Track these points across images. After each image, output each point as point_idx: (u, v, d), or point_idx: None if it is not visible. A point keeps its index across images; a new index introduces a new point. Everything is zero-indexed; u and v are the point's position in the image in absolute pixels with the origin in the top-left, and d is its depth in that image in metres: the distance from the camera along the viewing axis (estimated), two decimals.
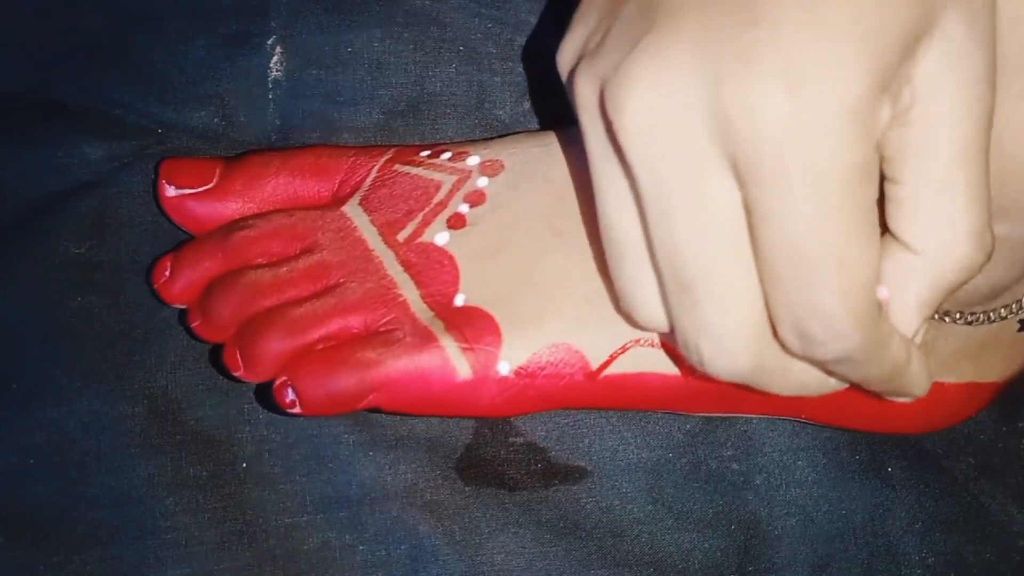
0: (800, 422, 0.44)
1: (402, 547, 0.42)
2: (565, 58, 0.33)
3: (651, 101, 0.30)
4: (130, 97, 0.44)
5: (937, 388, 0.42)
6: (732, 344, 0.32)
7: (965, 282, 0.33)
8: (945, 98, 0.31)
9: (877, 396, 0.35)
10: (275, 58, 0.44)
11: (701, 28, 0.29)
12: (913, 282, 0.33)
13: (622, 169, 0.32)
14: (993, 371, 0.42)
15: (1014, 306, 0.40)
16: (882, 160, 0.31)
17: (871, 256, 0.30)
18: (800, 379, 0.34)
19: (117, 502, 0.41)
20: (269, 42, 0.44)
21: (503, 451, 0.43)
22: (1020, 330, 0.41)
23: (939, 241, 0.32)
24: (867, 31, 0.29)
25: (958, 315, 0.40)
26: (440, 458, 0.43)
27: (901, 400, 0.35)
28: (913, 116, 0.31)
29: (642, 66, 0.30)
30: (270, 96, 0.44)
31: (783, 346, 0.32)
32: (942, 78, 0.30)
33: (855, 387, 0.35)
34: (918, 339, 0.34)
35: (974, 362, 0.42)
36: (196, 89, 0.44)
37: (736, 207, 0.31)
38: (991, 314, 0.40)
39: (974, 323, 0.40)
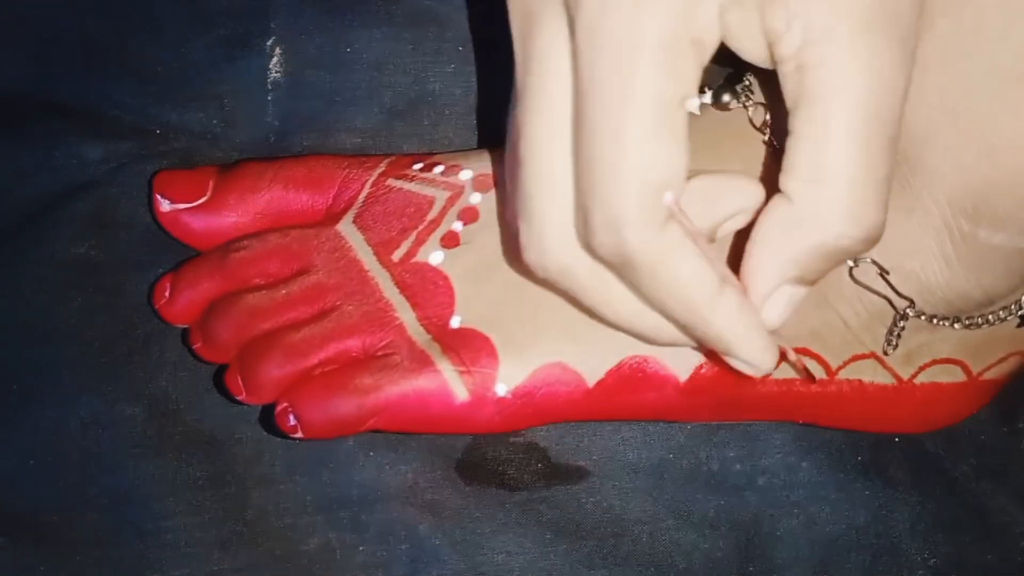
0: (803, 423, 0.44)
1: (402, 547, 0.41)
2: None
3: None
4: (129, 98, 0.44)
5: (934, 388, 0.42)
6: (545, 234, 0.33)
7: (840, 255, 0.32)
8: (838, 41, 0.30)
9: (722, 360, 0.35)
10: (274, 59, 0.44)
11: None
12: (781, 235, 0.32)
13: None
14: (991, 369, 0.42)
15: (1013, 307, 0.40)
16: (788, 114, 0.32)
17: (660, 151, 0.30)
18: (617, 304, 0.34)
19: (117, 502, 0.41)
20: (268, 43, 0.44)
21: (503, 451, 0.43)
22: (1020, 325, 0.41)
23: (811, 195, 0.31)
24: None
25: (955, 320, 0.40)
26: (440, 458, 0.43)
27: (743, 369, 0.34)
28: (808, 58, 0.30)
29: None
30: (269, 97, 0.44)
31: (578, 238, 0.32)
32: (835, 18, 0.30)
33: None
34: (777, 306, 0.33)
35: (971, 361, 0.42)
36: (195, 90, 0.44)
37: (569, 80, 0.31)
38: (989, 316, 0.40)
39: (970, 326, 0.40)
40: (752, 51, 0.31)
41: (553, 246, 0.33)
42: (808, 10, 0.30)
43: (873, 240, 0.32)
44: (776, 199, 0.32)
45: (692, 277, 0.32)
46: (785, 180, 0.32)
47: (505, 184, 0.37)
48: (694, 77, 0.31)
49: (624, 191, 0.31)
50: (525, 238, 0.33)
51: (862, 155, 0.31)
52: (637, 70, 0.30)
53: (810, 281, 0.33)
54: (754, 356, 0.34)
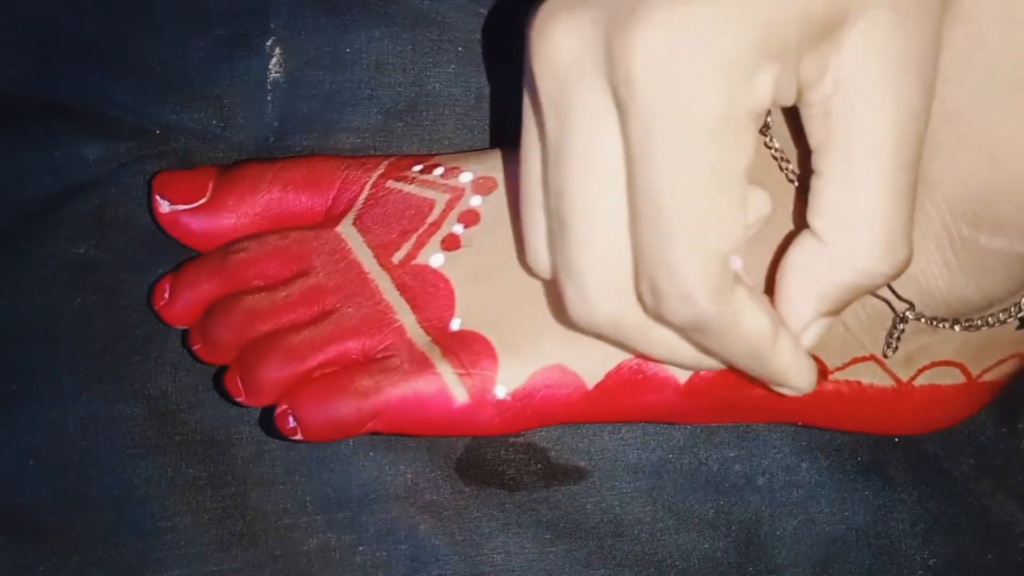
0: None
1: (402, 547, 0.42)
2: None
3: (552, 42, 0.31)
4: (129, 98, 0.44)
5: (933, 390, 0.42)
6: (591, 290, 0.33)
7: (872, 288, 0.33)
8: (865, 90, 0.31)
9: (766, 386, 0.36)
10: (274, 59, 0.44)
11: None
12: (814, 273, 0.33)
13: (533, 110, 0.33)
14: (991, 371, 0.42)
15: (1012, 309, 0.40)
16: (812, 152, 0.32)
17: (728, 223, 0.31)
18: (667, 346, 0.35)
19: (117, 502, 0.41)
20: (268, 43, 0.44)
21: (503, 451, 0.43)
22: (1020, 327, 0.41)
23: (843, 237, 0.33)
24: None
25: (954, 322, 0.40)
26: (440, 458, 0.43)
27: (786, 392, 0.36)
28: (835, 105, 0.31)
29: (547, 10, 0.32)
30: (268, 97, 0.44)
31: (640, 302, 0.33)
32: (864, 68, 0.31)
33: (755, 380, 0.36)
34: (811, 333, 0.35)
35: (971, 363, 0.42)
36: (195, 90, 0.44)
37: (619, 150, 0.31)
38: (989, 319, 0.40)
39: (970, 328, 0.40)
40: (780, 96, 0.32)
41: (601, 302, 0.33)
42: (842, 60, 0.31)
43: (901, 273, 0.33)
44: (807, 237, 0.33)
45: (758, 331, 0.33)
46: (815, 220, 0.33)
47: (513, 195, 0.38)
48: (753, 142, 0.31)
49: (698, 266, 0.31)
50: (571, 296, 0.34)
51: (892, 198, 0.32)
52: (704, 153, 0.30)
53: (838, 312, 0.35)
54: (803, 383, 0.35)
